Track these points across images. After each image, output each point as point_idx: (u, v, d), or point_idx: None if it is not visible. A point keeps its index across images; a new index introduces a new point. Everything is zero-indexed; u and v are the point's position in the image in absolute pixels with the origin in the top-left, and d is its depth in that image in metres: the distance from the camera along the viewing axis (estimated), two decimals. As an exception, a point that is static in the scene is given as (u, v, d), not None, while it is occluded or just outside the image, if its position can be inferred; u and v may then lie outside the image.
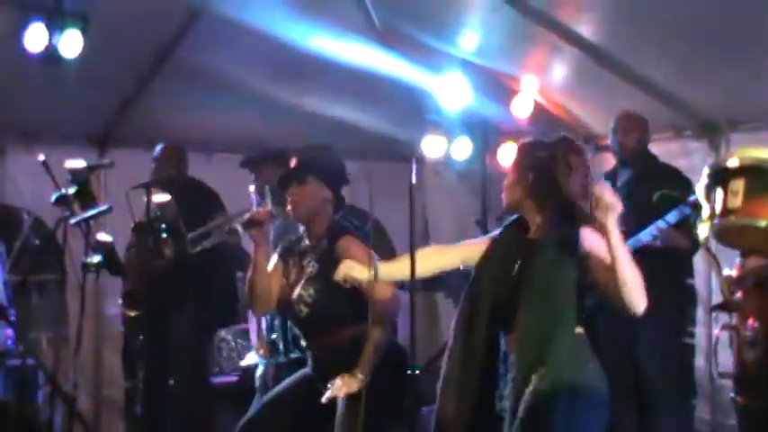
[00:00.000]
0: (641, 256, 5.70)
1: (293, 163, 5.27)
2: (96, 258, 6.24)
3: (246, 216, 5.18)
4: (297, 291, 5.11)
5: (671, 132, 7.49)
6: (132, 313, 7.05)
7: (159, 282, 6.76)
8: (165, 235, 6.55)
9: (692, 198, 5.30)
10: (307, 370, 5.25)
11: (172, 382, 7.06)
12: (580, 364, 4.06)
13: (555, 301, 4.05)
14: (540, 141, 4.39)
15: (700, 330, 6.60)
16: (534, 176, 4.22)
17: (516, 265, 4.20)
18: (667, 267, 5.92)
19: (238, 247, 6.77)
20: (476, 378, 4.28)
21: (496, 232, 4.55)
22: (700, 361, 6.68)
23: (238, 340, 8.03)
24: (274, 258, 5.27)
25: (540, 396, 3.98)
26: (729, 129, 7.25)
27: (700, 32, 6.55)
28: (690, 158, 7.21)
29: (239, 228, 5.36)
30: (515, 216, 4.41)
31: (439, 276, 7.68)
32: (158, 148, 7.15)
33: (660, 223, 5.87)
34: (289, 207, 5.15)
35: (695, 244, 5.81)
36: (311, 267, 5.13)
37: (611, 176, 6.47)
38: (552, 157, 4.22)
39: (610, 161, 6.91)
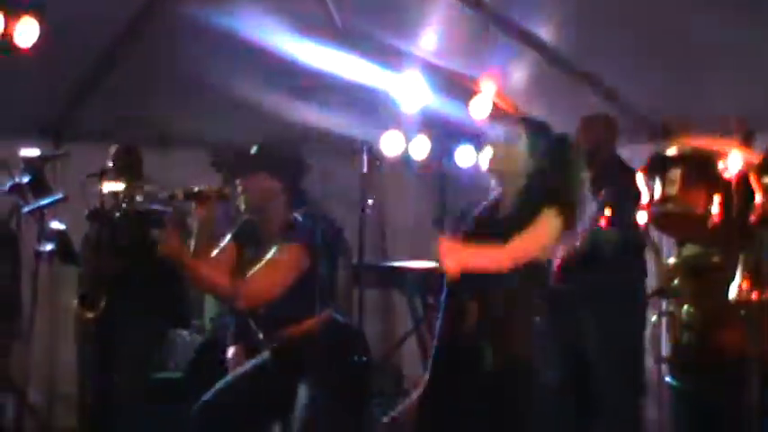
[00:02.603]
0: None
1: (244, 155, 5.33)
2: (49, 246, 6.26)
3: (195, 188, 5.18)
4: None
5: (625, 137, 7.59)
6: (90, 315, 7.02)
7: (114, 283, 6.81)
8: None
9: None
10: (264, 357, 5.28)
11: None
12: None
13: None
14: (549, 128, 4.57)
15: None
16: (549, 162, 4.35)
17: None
18: (618, 269, 5.99)
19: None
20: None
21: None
22: (649, 361, 6.77)
23: (195, 333, 8.05)
24: (227, 238, 5.32)
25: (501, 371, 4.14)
26: (681, 134, 7.35)
27: (657, 40, 6.66)
28: (642, 162, 7.29)
29: (180, 194, 5.25)
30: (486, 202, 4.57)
31: (395, 273, 7.90)
32: (112, 150, 7.08)
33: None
34: (239, 198, 5.19)
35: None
36: None
37: None
38: (568, 149, 4.42)
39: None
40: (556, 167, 4.34)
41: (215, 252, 5.20)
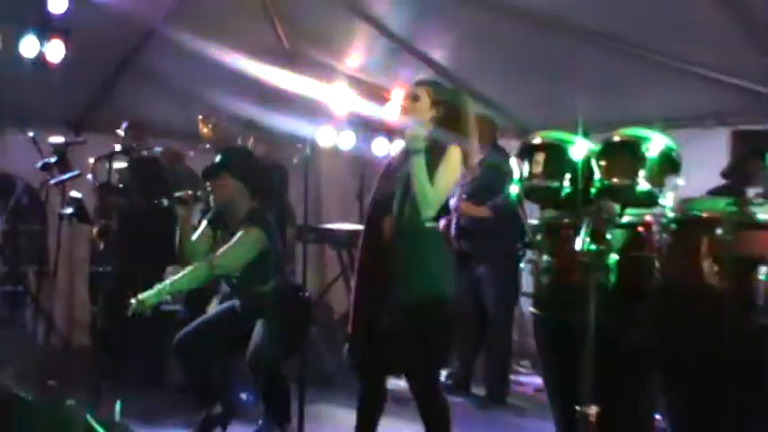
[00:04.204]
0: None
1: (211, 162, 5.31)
2: (69, 210, 6.13)
3: (177, 194, 5.20)
4: None
5: (502, 133, 7.56)
6: (101, 245, 6.92)
7: (121, 224, 6.74)
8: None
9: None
10: (235, 303, 5.29)
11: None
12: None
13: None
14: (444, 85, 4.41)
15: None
16: (445, 110, 4.12)
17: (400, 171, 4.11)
18: (510, 232, 6.08)
19: None
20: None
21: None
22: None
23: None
24: (204, 224, 5.30)
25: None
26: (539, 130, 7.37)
27: (526, 59, 6.78)
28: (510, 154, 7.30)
29: (165, 202, 5.30)
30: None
31: (328, 232, 7.78)
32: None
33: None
34: (210, 196, 5.23)
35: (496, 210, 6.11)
36: None
37: None
38: (462, 101, 4.23)
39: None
40: (453, 113, 4.16)
41: (195, 235, 5.22)
